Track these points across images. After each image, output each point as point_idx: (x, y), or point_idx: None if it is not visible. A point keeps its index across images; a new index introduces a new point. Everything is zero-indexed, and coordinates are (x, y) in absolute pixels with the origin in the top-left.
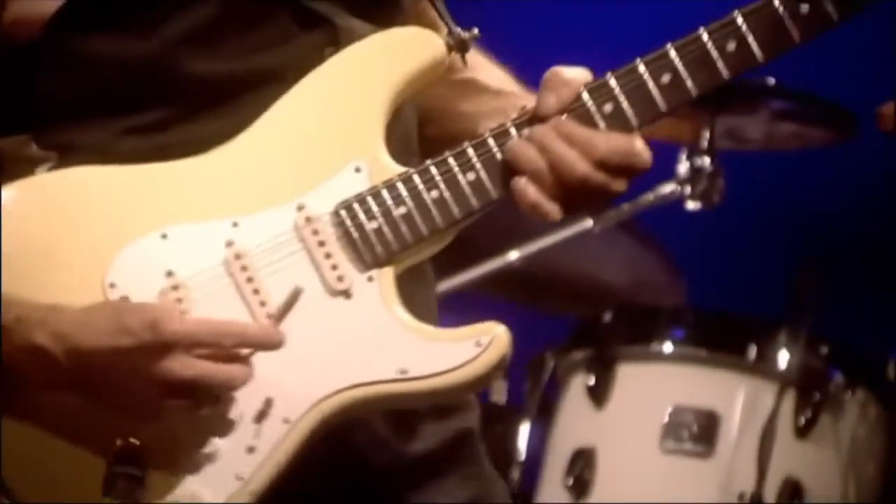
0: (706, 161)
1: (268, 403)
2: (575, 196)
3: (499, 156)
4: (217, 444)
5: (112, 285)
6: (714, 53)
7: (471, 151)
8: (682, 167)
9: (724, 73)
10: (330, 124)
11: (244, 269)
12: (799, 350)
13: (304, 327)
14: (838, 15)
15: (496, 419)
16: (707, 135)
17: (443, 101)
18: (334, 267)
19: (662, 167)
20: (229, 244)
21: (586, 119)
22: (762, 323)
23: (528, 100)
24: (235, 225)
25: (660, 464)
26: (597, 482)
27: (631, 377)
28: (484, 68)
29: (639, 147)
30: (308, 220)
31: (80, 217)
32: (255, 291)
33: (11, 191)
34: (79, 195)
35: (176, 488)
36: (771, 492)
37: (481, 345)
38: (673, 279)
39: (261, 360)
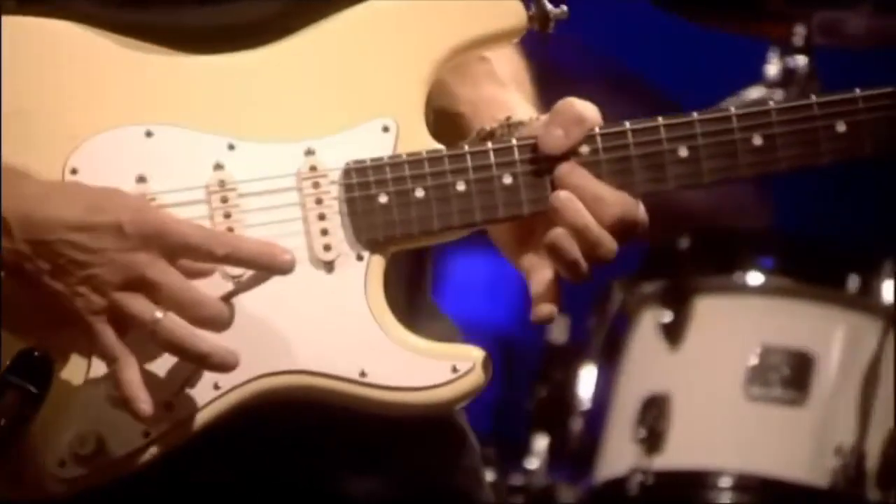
0: (800, 61)
1: None
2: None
3: (544, 172)
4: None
5: (74, 171)
6: (822, 132)
7: (517, 152)
8: (773, 68)
9: (826, 157)
10: (369, 66)
11: (224, 200)
12: None
13: (269, 289)
14: None
15: (556, 361)
16: (801, 30)
17: (443, 75)
18: (324, 232)
19: (749, 68)
20: (218, 167)
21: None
22: (864, 250)
23: (525, 106)
24: (231, 147)
25: (744, 412)
26: (671, 434)
27: (711, 313)
28: (500, 54)
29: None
30: (313, 169)
31: (57, 79)
32: (229, 230)
33: None
34: (61, 53)
35: (74, 423)
36: (874, 445)
37: (457, 371)
38: (759, 199)
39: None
